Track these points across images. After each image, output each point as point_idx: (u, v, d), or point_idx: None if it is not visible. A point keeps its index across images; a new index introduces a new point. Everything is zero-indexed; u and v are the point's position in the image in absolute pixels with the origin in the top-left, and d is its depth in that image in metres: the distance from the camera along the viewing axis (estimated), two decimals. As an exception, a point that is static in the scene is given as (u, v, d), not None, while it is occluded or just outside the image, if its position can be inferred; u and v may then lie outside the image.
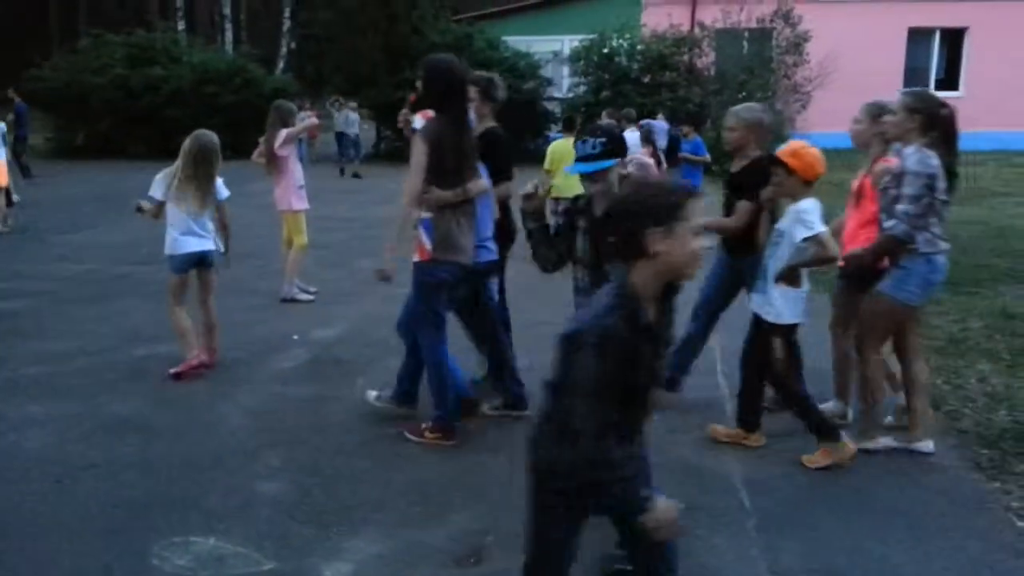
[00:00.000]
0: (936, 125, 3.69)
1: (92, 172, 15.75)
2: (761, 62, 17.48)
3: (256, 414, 4.48)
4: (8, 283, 7.33)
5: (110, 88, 19.24)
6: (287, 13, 28.76)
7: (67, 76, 19.62)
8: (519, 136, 19.10)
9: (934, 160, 3.60)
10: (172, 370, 5.00)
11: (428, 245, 3.93)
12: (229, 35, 28.49)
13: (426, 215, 3.92)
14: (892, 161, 3.88)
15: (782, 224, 3.75)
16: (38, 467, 3.83)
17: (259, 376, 5.08)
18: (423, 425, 4.12)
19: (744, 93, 16.26)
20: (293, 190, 6.86)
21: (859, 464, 3.81)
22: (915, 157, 3.60)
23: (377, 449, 4.02)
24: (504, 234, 4.46)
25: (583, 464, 1.94)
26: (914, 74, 19.84)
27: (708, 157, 10.60)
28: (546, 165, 8.45)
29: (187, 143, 5.02)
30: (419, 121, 4.11)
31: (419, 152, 3.84)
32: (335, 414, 4.45)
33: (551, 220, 3.30)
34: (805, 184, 3.68)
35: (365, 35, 20.43)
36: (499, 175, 4.29)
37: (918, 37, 19.94)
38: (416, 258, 4.00)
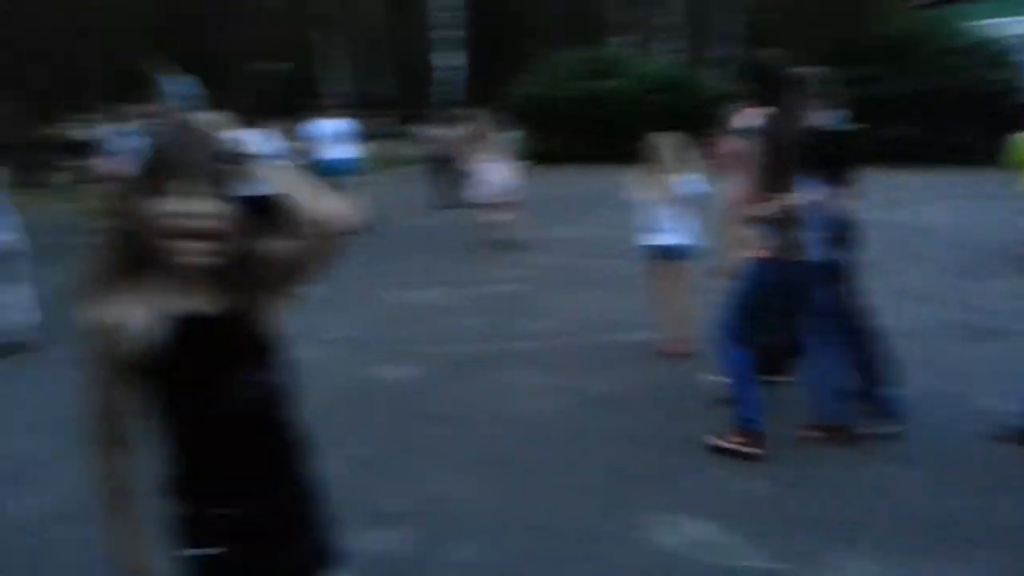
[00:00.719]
0: None
1: (555, 175, 17.47)
2: None
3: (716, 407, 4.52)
4: (498, 270, 8.53)
5: (573, 100, 21.45)
6: (721, 21, 29.03)
7: (538, 90, 22.32)
8: (988, 131, 16.60)
9: None
10: (658, 346, 5.50)
11: (769, 243, 3.75)
12: (667, 45, 29.64)
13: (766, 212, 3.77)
14: None
15: None
16: (547, 431, 4.34)
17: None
18: (728, 433, 3.94)
19: None
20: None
21: None
22: None
23: (847, 465, 3.82)
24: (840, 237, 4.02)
25: None
26: None
27: None
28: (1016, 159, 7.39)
29: (655, 142, 5.45)
30: (742, 120, 3.99)
31: (755, 151, 3.75)
32: (796, 417, 4.21)
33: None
34: None
35: (810, 30, 19.61)
36: (831, 178, 3.90)
37: None
38: (754, 256, 3.83)
